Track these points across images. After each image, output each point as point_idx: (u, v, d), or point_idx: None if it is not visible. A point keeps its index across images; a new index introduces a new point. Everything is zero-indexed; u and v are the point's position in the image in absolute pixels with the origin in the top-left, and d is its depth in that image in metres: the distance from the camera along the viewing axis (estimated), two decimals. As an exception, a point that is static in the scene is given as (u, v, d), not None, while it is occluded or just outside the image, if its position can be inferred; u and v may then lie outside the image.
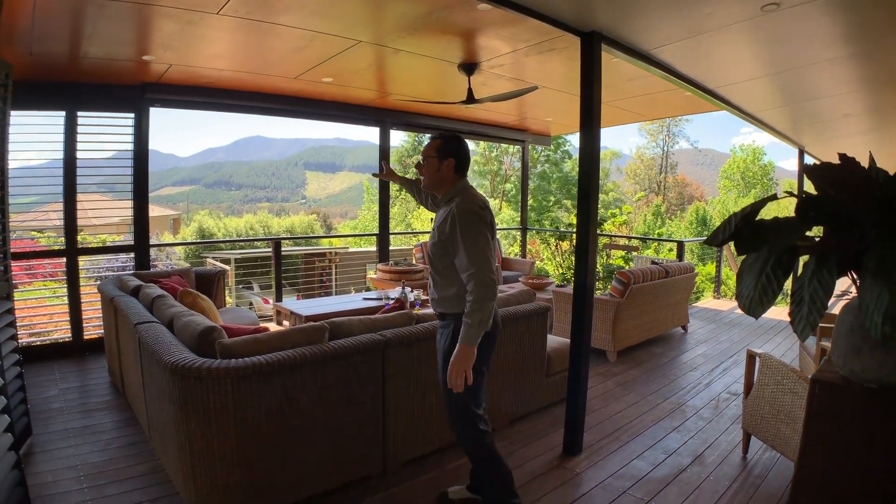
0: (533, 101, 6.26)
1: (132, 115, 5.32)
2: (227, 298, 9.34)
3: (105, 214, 6.26)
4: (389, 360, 3.01)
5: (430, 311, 4.23)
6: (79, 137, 5.07)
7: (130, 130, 5.34)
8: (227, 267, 11.35)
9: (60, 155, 5.03)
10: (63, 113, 5.01)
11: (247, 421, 2.50)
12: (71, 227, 5.16)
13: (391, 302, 5.09)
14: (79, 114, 5.05)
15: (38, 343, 5.36)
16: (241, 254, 12.75)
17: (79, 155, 5.09)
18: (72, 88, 4.99)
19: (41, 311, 5.93)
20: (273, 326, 5.93)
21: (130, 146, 5.35)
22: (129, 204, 5.43)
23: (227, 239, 26.54)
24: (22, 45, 3.96)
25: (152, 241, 5.64)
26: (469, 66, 4.82)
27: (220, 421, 2.44)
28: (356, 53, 4.51)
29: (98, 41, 4.07)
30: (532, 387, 3.93)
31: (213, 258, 14.14)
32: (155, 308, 3.48)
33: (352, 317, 3.11)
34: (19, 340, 5.03)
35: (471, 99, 5.16)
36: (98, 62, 4.55)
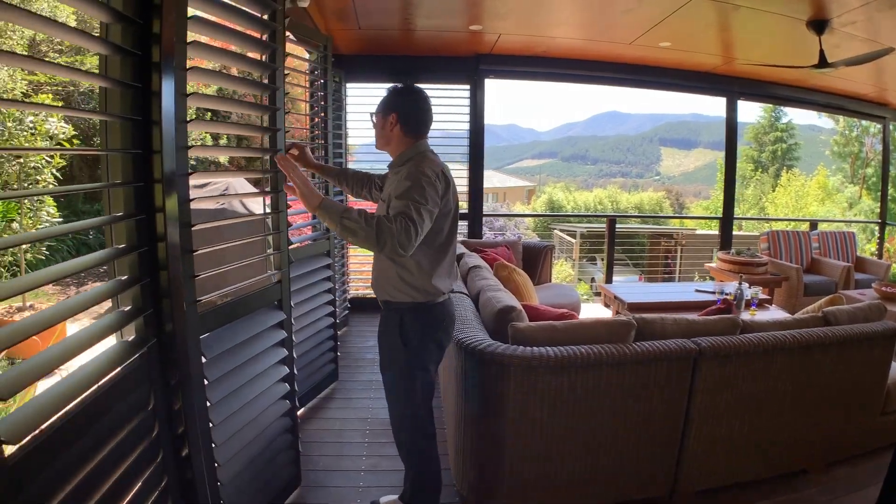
0: (893, 67, 5.14)
1: (468, 86, 5.52)
2: (569, 271, 9.36)
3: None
4: (700, 372, 2.42)
5: (763, 317, 3.36)
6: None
7: (466, 101, 5.54)
8: (573, 240, 11.45)
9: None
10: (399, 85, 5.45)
11: (525, 414, 2.24)
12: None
13: (723, 298, 4.32)
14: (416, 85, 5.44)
15: (372, 296, 6.07)
16: (587, 228, 12.83)
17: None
18: (406, 61, 5.40)
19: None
20: (598, 308, 6.04)
21: (466, 117, 5.55)
22: (465, 174, 5.66)
23: (561, 213, 27.14)
24: (349, 20, 4.36)
25: (503, 210, 5.84)
26: (818, 24, 4.10)
27: (498, 409, 2.23)
28: (691, 12, 4.03)
29: (425, 12, 4.23)
30: (860, 426, 3.00)
31: (561, 230, 14.53)
32: (468, 278, 3.50)
33: (667, 315, 2.58)
34: (355, 291, 5.75)
35: (823, 63, 4.34)
36: (428, 34, 4.79)
